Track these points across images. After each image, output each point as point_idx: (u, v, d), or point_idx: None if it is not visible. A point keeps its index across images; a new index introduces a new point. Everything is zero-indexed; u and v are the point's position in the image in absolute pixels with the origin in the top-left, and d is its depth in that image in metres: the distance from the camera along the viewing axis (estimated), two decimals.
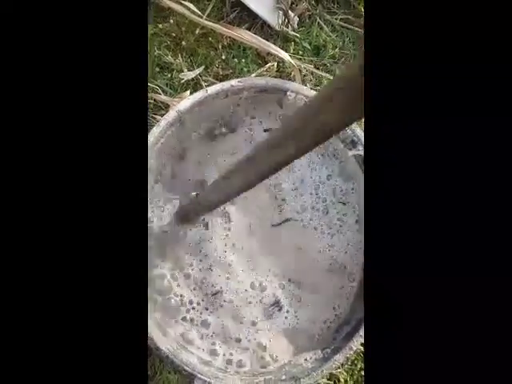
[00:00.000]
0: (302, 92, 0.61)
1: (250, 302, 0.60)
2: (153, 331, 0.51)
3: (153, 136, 0.53)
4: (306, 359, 0.59)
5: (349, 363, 0.72)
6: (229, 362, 0.58)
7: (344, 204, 0.66)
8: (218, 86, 0.57)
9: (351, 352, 0.58)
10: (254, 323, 0.60)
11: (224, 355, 0.58)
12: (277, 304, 0.61)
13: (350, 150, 0.65)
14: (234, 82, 0.57)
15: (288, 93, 0.61)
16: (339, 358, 0.57)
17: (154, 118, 0.73)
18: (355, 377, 0.72)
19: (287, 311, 0.62)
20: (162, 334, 0.53)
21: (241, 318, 0.60)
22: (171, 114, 0.54)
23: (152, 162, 0.57)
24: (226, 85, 0.57)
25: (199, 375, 0.52)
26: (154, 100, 0.74)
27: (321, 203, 0.65)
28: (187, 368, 0.52)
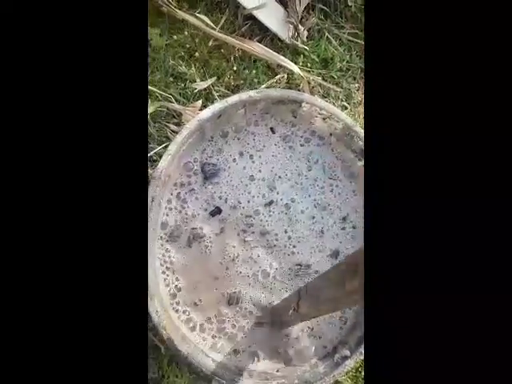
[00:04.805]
0: (315, 103, 0.63)
1: None
2: (172, 333, 0.52)
3: (175, 144, 0.54)
4: (317, 363, 0.60)
5: (353, 370, 0.73)
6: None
7: None
8: (236, 97, 0.59)
9: (361, 357, 0.60)
10: None
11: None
12: None
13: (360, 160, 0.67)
14: (252, 93, 0.59)
15: (303, 104, 0.63)
16: (350, 363, 0.58)
17: (167, 127, 0.75)
18: None
19: None
20: (181, 336, 0.54)
21: None
22: (193, 123, 0.56)
23: (173, 169, 0.58)
24: (243, 96, 0.59)
25: (216, 378, 0.53)
26: (167, 108, 0.76)
27: None
28: (204, 370, 0.53)
